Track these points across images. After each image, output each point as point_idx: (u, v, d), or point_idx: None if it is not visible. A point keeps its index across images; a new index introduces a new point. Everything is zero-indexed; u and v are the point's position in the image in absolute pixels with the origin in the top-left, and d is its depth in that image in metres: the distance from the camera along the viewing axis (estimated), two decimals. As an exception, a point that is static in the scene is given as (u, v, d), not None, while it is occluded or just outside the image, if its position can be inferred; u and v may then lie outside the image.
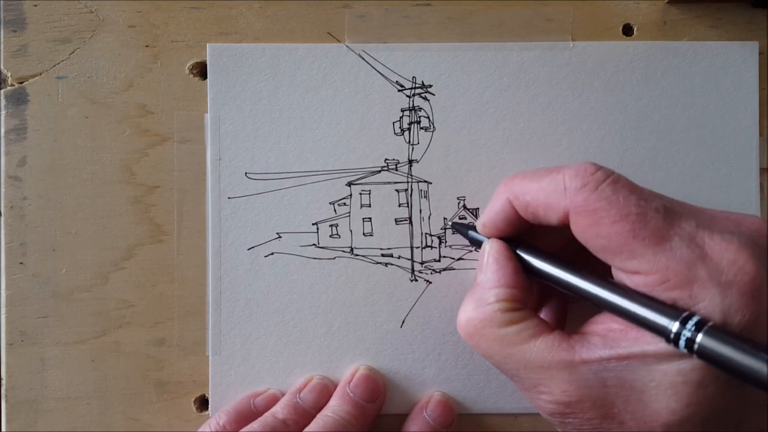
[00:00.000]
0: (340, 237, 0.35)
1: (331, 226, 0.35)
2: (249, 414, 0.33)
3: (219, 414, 0.33)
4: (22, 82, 0.35)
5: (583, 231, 0.26)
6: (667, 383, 0.24)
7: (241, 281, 0.35)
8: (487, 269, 0.29)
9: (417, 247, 0.35)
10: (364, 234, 0.35)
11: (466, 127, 0.35)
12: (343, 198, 0.35)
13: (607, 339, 0.26)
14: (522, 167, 0.35)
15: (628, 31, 0.35)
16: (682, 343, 0.23)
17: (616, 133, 0.35)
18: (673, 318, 0.23)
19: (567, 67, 0.35)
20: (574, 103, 0.35)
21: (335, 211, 0.35)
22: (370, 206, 0.35)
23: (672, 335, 0.23)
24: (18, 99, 0.35)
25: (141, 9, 0.35)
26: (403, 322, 0.35)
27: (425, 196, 0.35)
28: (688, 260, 0.24)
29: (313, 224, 0.35)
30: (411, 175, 0.35)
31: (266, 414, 0.32)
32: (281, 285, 0.35)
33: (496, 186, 0.35)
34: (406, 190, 0.35)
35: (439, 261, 0.35)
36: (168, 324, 0.35)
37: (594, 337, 0.26)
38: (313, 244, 0.35)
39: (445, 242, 0.35)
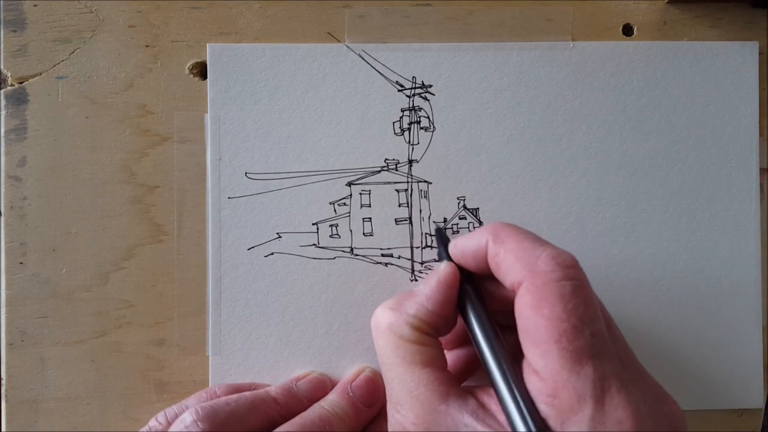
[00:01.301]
0: (340, 237, 0.35)
1: (331, 226, 0.35)
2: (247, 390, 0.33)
3: (219, 384, 0.33)
4: (22, 82, 0.35)
5: (522, 307, 0.25)
6: None
7: (241, 281, 0.35)
8: (427, 285, 0.29)
9: (417, 247, 0.35)
10: (364, 234, 0.35)
11: (466, 127, 0.35)
12: (343, 198, 0.35)
13: (479, 410, 0.26)
14: (522, 167, 0.35)
15: (628, 31, 0.35)
16: None
17: (616, 133, 0.35)
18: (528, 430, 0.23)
19: (567, 67, 0.35)
20: (574, 103, 0.35)
21: (335, 211, 0.35)
22: (370, 206, 0.35)
23: None
24: (18, 99, 0.35)
25: (141, 9, 0.35)
26: (403, 322, 0.35)
27: (425, 196, 0.35)
28: (582, 394, 0.23)
29: (313, 224, 0.35)
30: (411, 175, 0.35)
31: (260, 390, 0.32)
32: (281, 285, 0.35)
33: (496, 186, 0.35)
34: (406, 190, 0.35)
35: (438, 261, 0.35)
36: (168, 324, 0.35)
37: (472, 401, 0.26)
38: (313, 244, 0.35)
39: (445, 242, 0.35)
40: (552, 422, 0.24)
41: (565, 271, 0.25)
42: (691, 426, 0.35)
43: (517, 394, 0.25)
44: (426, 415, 0.26)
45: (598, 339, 0.24)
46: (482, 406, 0.26)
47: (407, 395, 0.27)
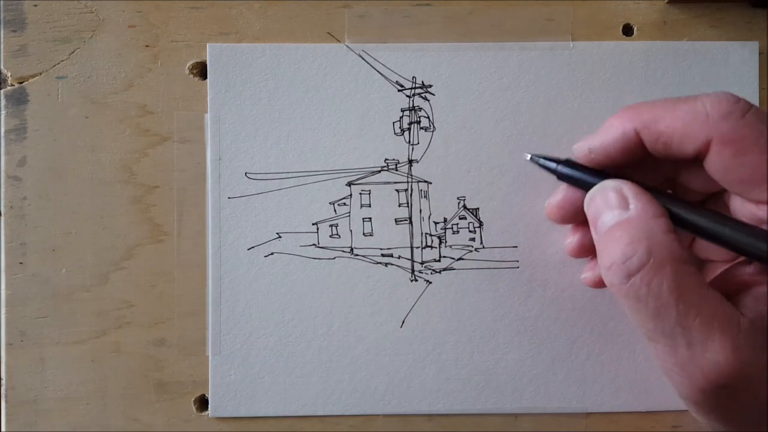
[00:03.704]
0: (340, 237, 0.35)
1: (331, 226, 0.35)
2: None
3: None
4: (22, 82, 0.35)
5: (725, 161, 0.24)
6: None
7: (241, 281, 0.35)
8: (639, 200, 0.25)
9: (417, 247, 0.35)
10: (364, 234, 0.35)
11: (466, 127, 0.35)
12: (343, 198, 0.35)
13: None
14: (522, 167, 0.35)
15: (628, 31, 0.35)
16: None
17: (616, 133, 0.35)
18: None
19: (567, 67, 0.35)
20: (574, 103, 0.35)
21: (335, 211, 0.35)
22: (370, 206, 0.35)
23: None
24: (18, 99, 0.35)
25: (141, 9, 0.35)
26: (403, 322, 0.35)
27: (425, 196, 0.35)
28: None
29: (313, 224, 0.35)
30: (411, 175, 0.35)
31: None
32: (281, 285, 0.35)
33: (496, 186, 0.35)
34: (406, 190, 0.35)
35: (439, 261, 0.35)
36: (168, 324, 0.35)
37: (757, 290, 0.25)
38: (313, 244, 0.35)
39: (445, 242, 0.35)
40: None
41: (738, 105, 0.25)
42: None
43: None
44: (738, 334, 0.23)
45: None
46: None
47: (710, 321, 0.23)
